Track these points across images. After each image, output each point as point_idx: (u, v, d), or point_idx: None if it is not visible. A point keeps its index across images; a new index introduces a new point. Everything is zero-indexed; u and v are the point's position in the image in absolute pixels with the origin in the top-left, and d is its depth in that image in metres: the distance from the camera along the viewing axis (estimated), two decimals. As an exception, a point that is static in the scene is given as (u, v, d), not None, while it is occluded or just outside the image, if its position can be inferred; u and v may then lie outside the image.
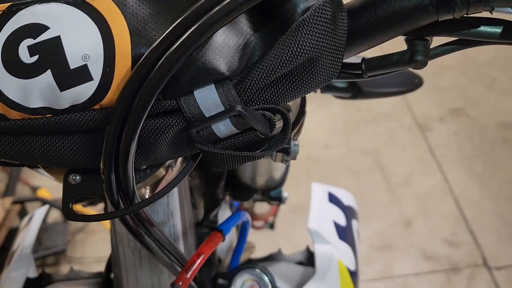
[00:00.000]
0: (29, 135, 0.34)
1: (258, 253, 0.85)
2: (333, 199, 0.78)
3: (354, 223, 0.79)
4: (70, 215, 0.37)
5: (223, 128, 0.33)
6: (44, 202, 1.74)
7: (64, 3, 0.32)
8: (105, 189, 0.35)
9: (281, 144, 0.36)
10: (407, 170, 2.03)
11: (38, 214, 0.81)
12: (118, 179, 0.35)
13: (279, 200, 1.00)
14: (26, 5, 0.32)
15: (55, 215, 1.87)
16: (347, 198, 0.82)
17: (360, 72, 0.38)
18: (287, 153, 0.56)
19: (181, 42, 0.30)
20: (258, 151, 0.35)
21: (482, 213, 1.85)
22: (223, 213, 0.82)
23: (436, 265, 1.71)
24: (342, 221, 0.74)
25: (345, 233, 0.72)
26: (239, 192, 0.93)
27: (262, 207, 1.26)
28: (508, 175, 1.98)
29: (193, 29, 0.30)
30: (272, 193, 1.00)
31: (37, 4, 0.32)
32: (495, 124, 2.21)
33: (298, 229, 1.32)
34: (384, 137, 2.19)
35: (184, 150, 0.36)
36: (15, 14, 0.32)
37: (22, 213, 1.70)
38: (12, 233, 1.55)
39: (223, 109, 0.32)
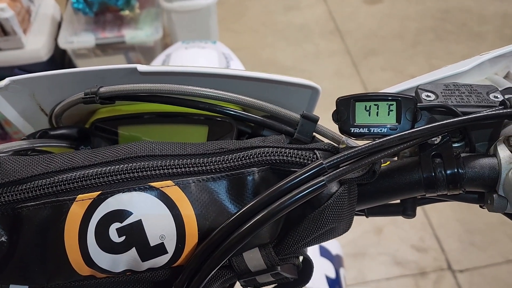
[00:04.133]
0: (108, 285, 0.43)
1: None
2: (323, 251, 0.89)
3: (342, 271, 0.90)
4: None
5: (264, 278, 0.43)
6: None
7: (142, 192, 0.39)
8: None
9: (303, 285, 0.46)
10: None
11: None
12: None
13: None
14: (112, 193, 0.40)
15: None
16: (334, 247, 0.93)
17: (363, 214, 0.49)
18: None
19: (249, 225, 0.38)
20: None
21: (446, 220, 2.01)
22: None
23: (405, 270, 1.87)
24: (332, 274, 0.85)
25: (335, 285, 0.83)
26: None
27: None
28: (470, 183, 2.14)
29: (254, 221, 0.38)
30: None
31: (121, 193, 0.40)
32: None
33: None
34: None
35: (227, 284, 0.46)
36: (104, 201, 0.39)
37: None
38: None
39: (266, 267, 0.42)
